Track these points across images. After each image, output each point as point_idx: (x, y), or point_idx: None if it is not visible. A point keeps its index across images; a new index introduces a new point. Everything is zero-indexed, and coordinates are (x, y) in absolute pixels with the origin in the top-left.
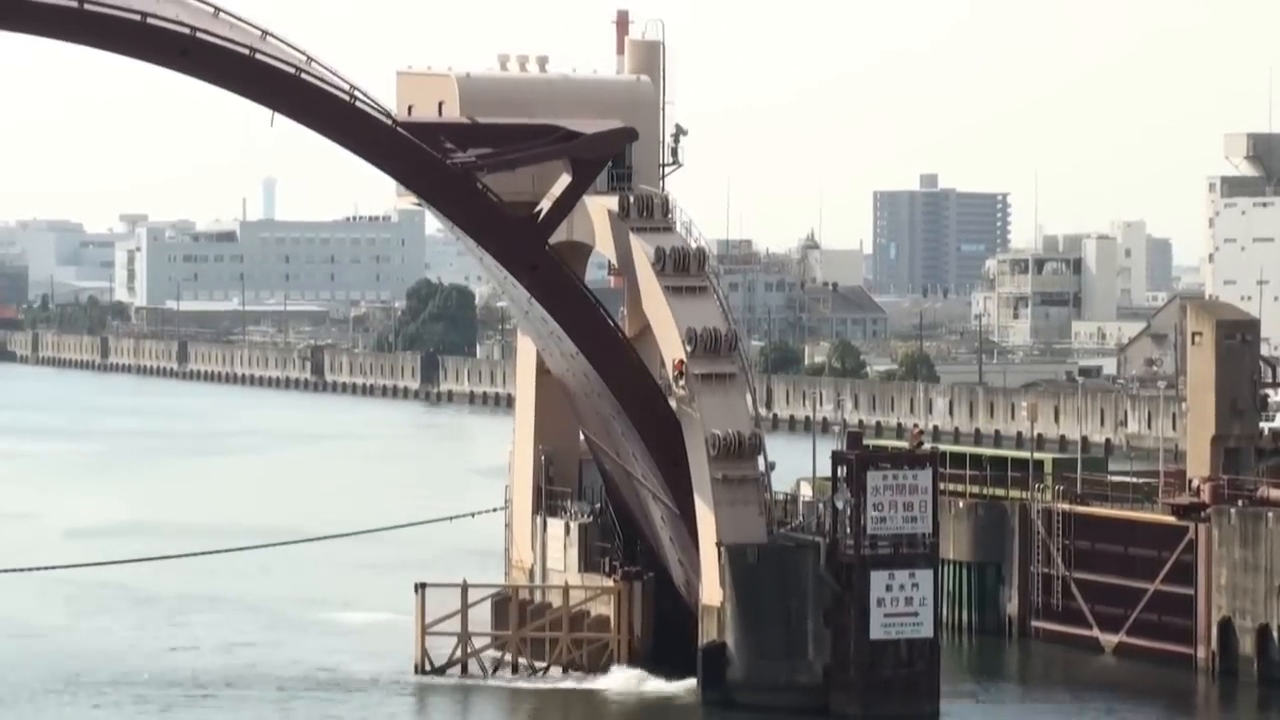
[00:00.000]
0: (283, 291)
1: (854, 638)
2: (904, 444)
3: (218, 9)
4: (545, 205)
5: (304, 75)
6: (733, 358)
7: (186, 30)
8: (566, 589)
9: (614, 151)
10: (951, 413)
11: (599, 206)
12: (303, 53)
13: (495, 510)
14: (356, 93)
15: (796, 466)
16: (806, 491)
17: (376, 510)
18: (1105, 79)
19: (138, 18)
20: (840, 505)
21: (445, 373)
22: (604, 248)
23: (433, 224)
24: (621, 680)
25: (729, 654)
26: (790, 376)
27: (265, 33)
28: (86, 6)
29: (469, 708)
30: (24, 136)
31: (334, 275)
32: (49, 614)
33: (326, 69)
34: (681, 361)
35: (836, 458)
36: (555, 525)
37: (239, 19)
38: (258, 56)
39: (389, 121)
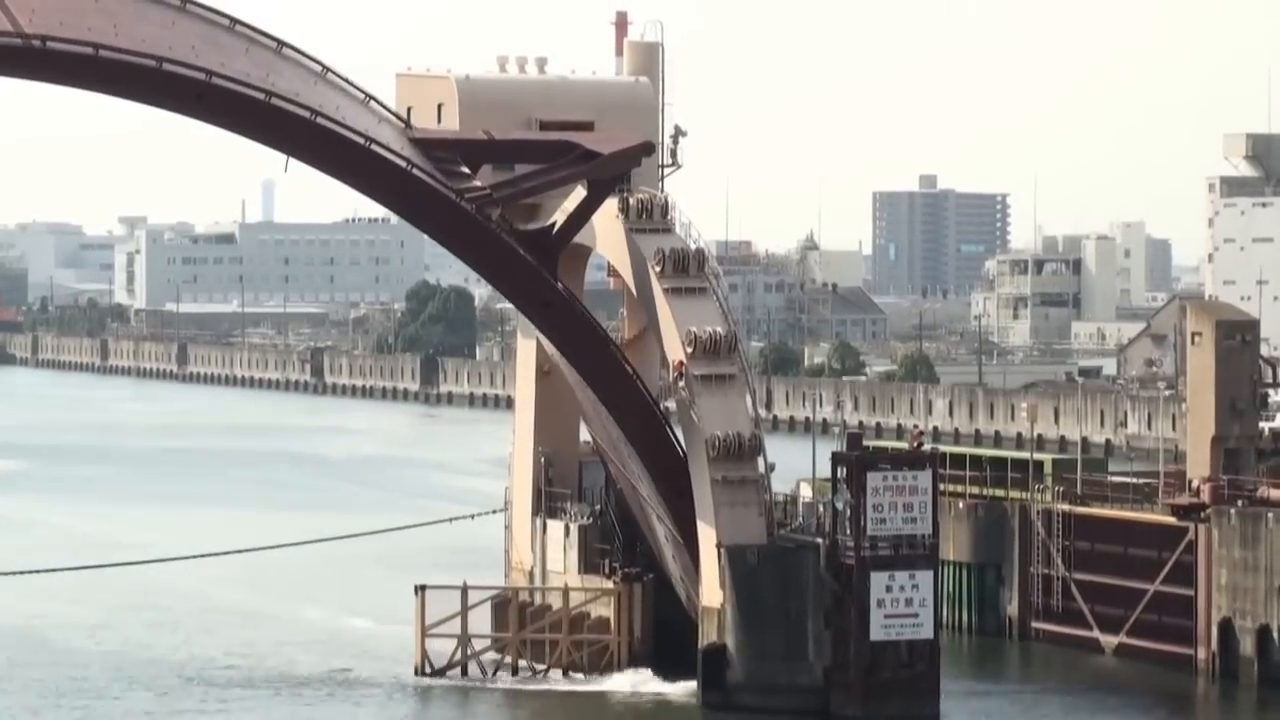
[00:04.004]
0: (282, 293)
1: (854, 639)
2: (904, 445)
3: (234, 20)
4: (559, 218)
5: (319, 119)
6: (732, 359)
7: (202, 76)
8: (566, 591)
9: (632, 167)
10: (951, 413)
11: (599, 208)
12: (319, 63)
13: (495, 512)
14: (372, 102)
15: (796, 468)
16: (806, 493)
17: (377, 512)
18: (1104, 79)
19: (153, 63)
20: (840, 506)
21: (445, 374)
22: (604, 249)
23: None
24: (622, 682)
25: (729, 656)
26: (790, 377)
27: (281, 43)
28: (102, 53)
29: (469, 710)
30: (23, 138)
31: (333, 277)
32: (48, 616)
33: (342, 79)
34: (681, 363)
35: (836, 459)
36: (555, 527)
37: (255, 30)
38: (273, 101)
39: (403, 164)
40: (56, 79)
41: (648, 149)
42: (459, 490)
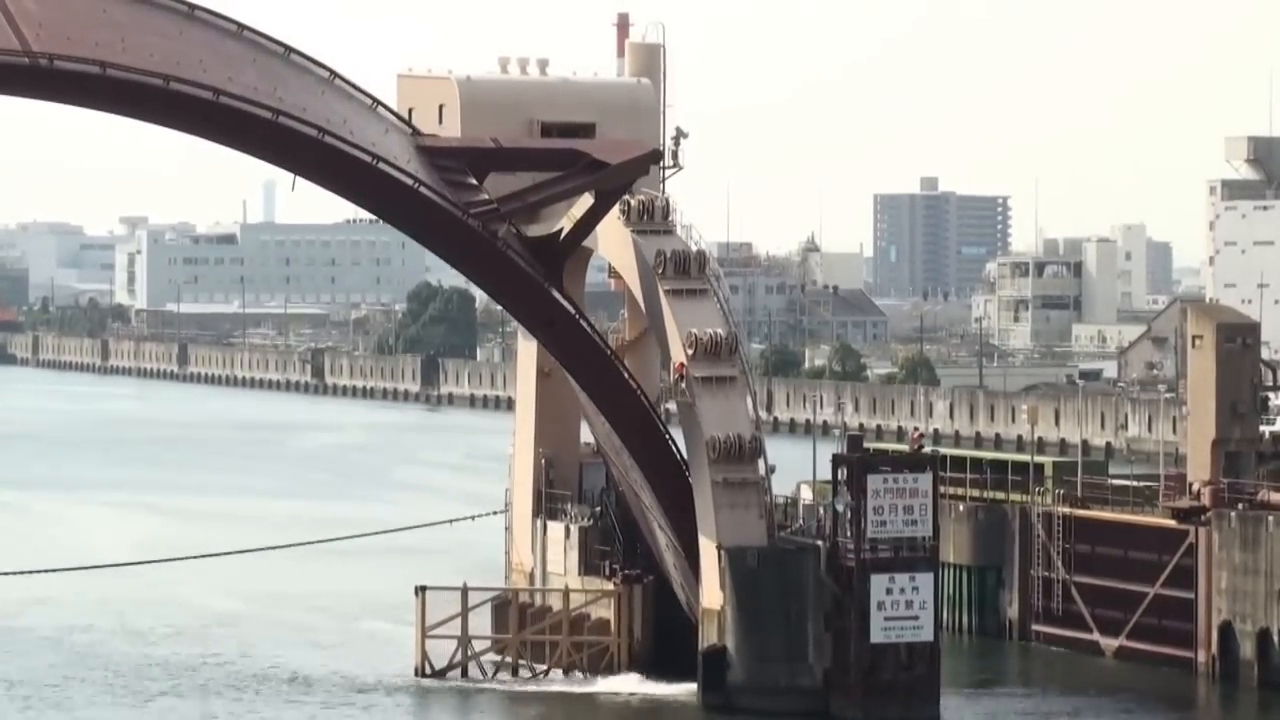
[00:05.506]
0: (283, 294)
1: (854, 641)
2: (904, 447)
3: (242, 26)
4: (565, 225)
5: (326, 138)
6: (733, 361)
7: (209, 95)
8: (567, 592)
9: (639, 176)
10: (952, 416)
11: None
12: (326, 67)
13: (495, 513)
14: (379, 108)
15: (797, 469)
16: (807, 495)
17: (377, 513)
18: (1105, 81)
19: (160, 81)
20: (840, 508)
21: (445, 375)
22: (605, 251)
23: None
24: (622, 683)
25: (729, 657)
26: (791, 379)
27: (289, 49)
28: (109, 72)
29: (469, 711)
30: (24, 138)
31: (334, 278)
32: (46, 614)
33: (349, 83)
34: (682, 365)
35: (837, 461)
36: (555, 528)
37: (262, 35)
38: (280, 120)
39: (410, 181)
40: (62, 98)
41: (655, 157)
42: (459, 491)
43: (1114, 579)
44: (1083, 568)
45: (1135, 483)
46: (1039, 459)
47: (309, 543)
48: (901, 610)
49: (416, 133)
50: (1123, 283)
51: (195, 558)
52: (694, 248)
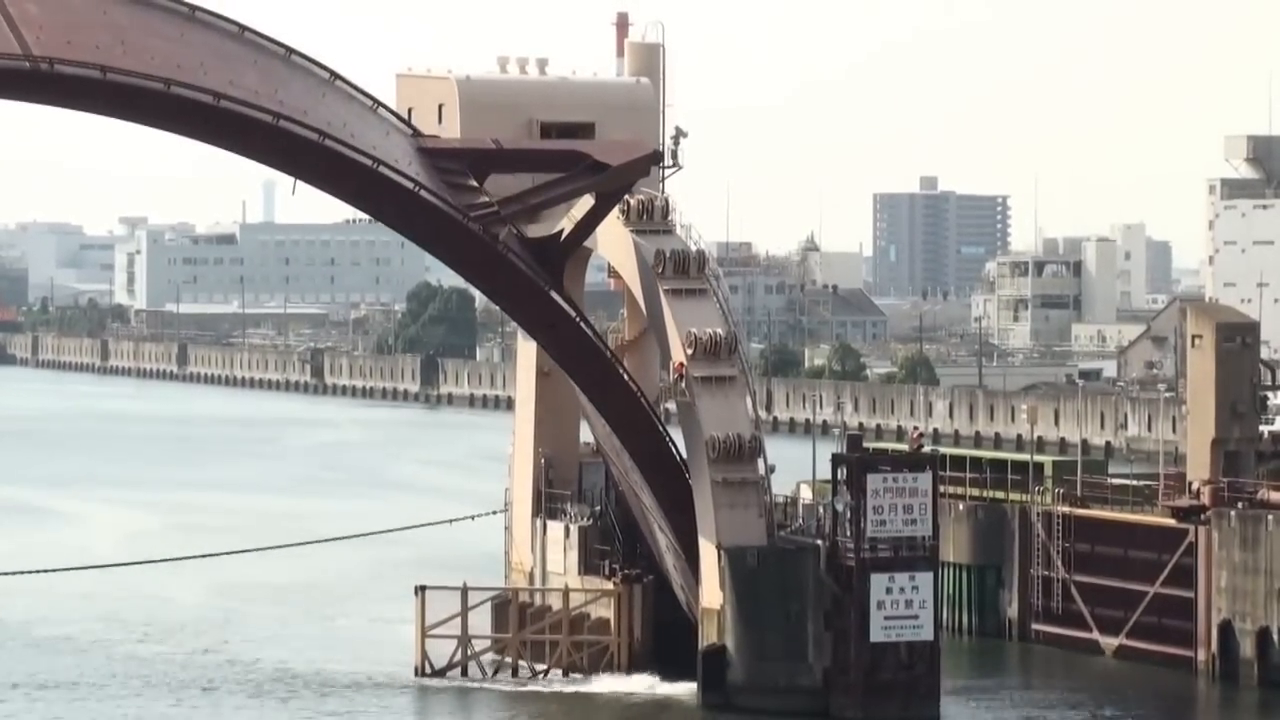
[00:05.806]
0: (282, 294)
1: (854, 640)
2: (904, 447)
3: (243, 27)
4: (566, 226)
5: (327, 142)
6: (733, 360)
7: (210, 99)
8: (566, 592)
9: (640, 177)
10: (951, 415)
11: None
12: (326, 69)
13: (495, 513)
14: (380, 109)
15: (796, 469)
16: (806, 494)
17: (377, 511)
18: (1105, 81)
19: (161, 85)
20: (840, 508)
21: (445, 375)
22: (605, 251)
23: None
24: (621, 683)
25: (729, 657)
26: (790, 379)
27: (290, 50)
28: (109, 76)
29: (469, 710)
30: (23, 138)
31: (334, 278)
32: (44, 614)
33: (350, 84)
34: (682, 364)
35: (836, 460)
36: (555, 528)
37: (263, 37)
38: (281, 124)
39: (411, 185)
40: (63, 102)
41: (656, 158)
42: (459, 490)
43: (1114, 578)
44: (1082, 567)
45: (1135, 482)
46: (1038, 458)
47: (308, 541)
48: (901, 609)
49: (417, 134)
50: (1122, 282)
51: (191, 558)
52: (693, 247)
